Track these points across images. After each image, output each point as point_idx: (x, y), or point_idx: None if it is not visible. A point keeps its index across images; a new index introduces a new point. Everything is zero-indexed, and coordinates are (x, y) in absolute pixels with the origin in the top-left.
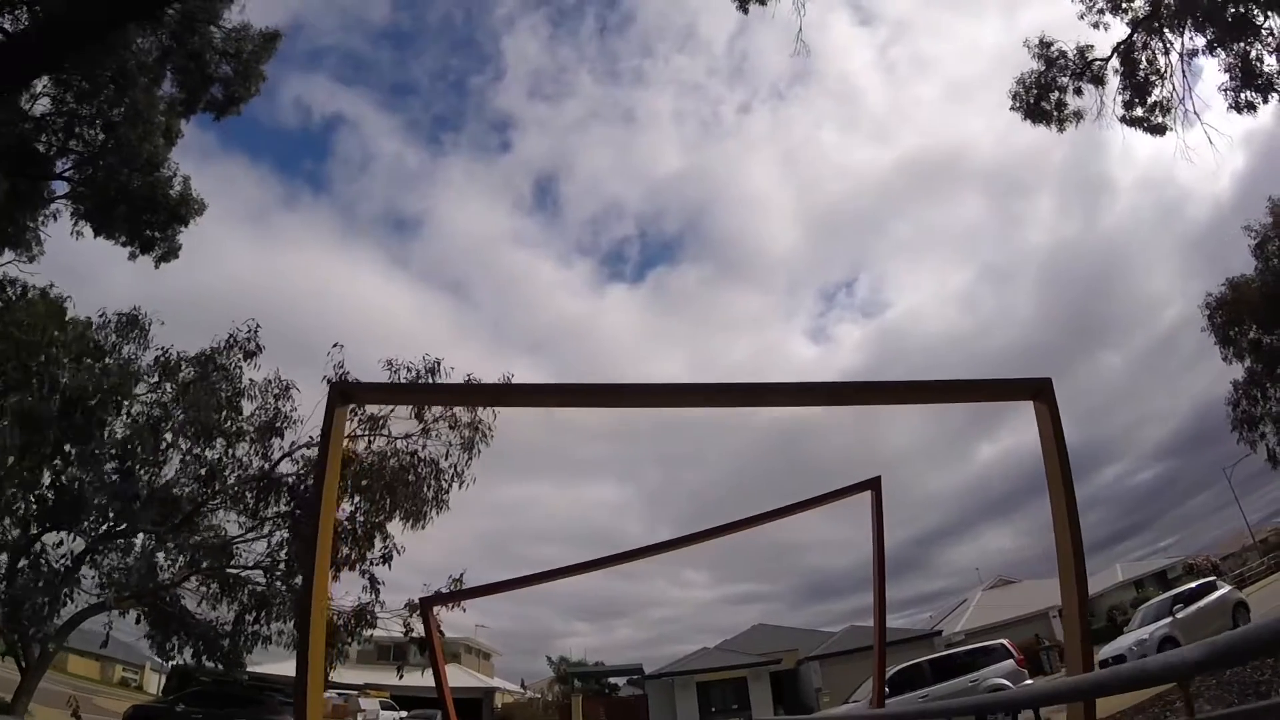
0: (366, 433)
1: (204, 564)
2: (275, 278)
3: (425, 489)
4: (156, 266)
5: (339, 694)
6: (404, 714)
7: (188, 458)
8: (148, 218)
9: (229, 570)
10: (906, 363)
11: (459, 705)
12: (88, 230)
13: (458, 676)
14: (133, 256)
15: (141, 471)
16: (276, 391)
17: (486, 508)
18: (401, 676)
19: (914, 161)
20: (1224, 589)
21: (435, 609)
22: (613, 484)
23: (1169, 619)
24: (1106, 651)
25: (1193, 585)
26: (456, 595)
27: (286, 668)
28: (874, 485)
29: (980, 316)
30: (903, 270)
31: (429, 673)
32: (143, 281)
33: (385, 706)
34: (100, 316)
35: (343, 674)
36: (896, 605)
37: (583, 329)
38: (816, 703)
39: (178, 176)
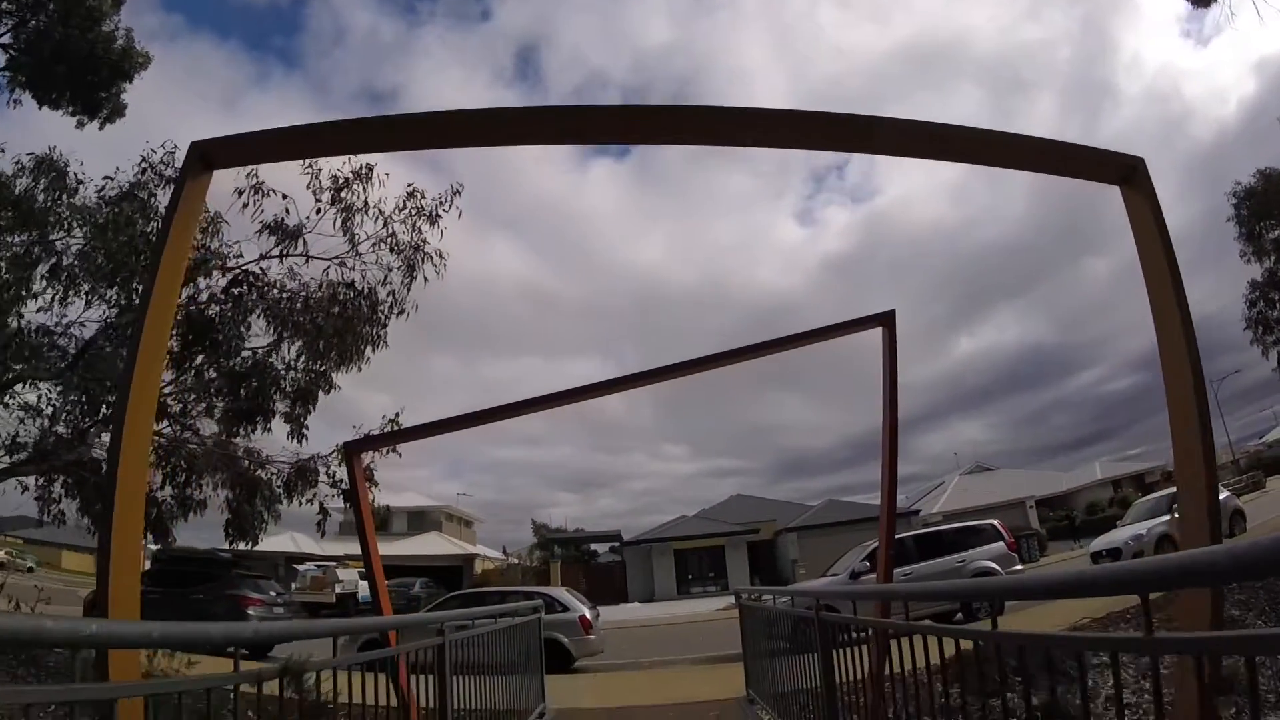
0: (281, 250)
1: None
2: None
3: (359, 323)
4: (101, 128)
5: (317, 566)
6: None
7: (96, 299)
8: (90, 77)
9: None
10: (892, 250)
11: (440, 572)
12: (29, 102)
13: (438, 544)
14: (80, 125)
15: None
16: (205, 224)
17: (474, 383)
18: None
19: (913, 46)
20: (1223, 494)
21: (365, 456)
22: (596, 360)
23: (1167, 517)
24: (1100, 544)
25: None
26: (383, 439)
27: (275, 543)
28: (887, 320)
29: (969, 210)
30: (895, 157)
31: (414, 540)
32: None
33: (364, 576)
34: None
35: (325, 546)
36: (867, 486)
37: (565, 205)
38: (792, 574)
39: (120, 30)
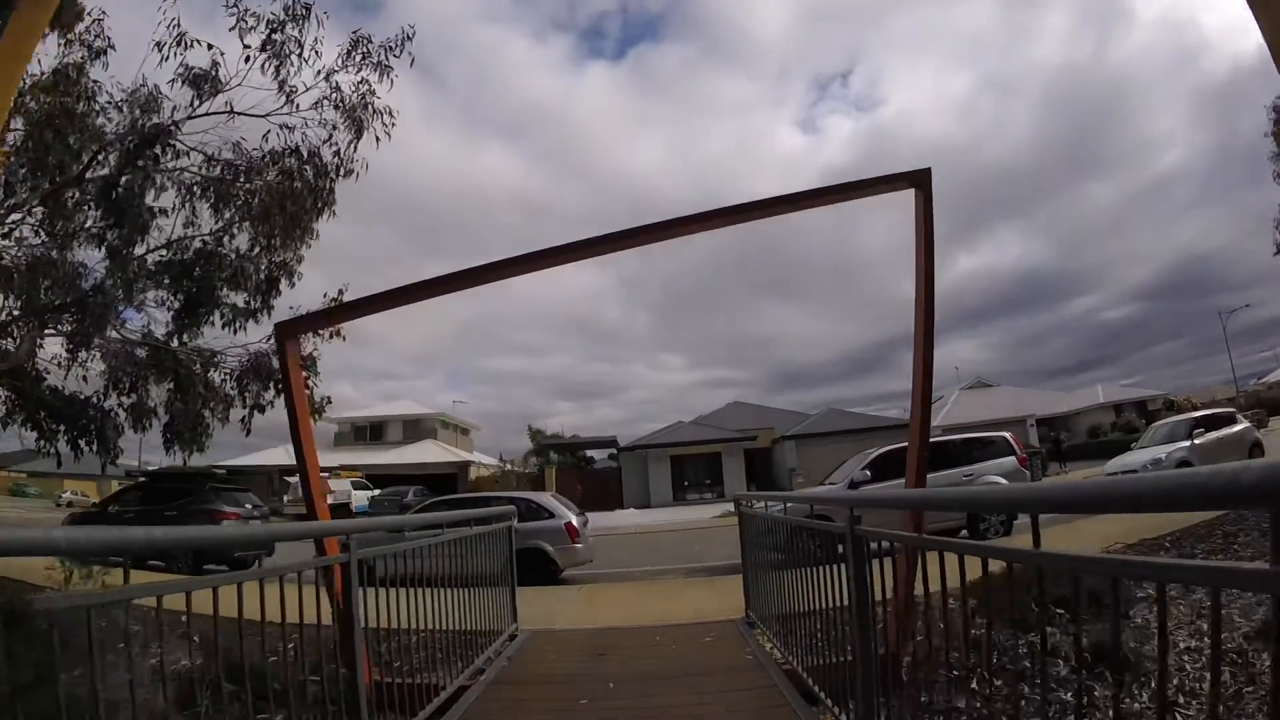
0: (196, 102)
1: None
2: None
3: (303, 193)
4: None
5: None
6: (377, 492)
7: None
8: None
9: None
10: (895, 166)
11: (436, 479)
12: None
13: (433, 452)
14: None
15: None
16: (144, 101)
17: (468, 298)
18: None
19: None
20: (1243, 424)
21: (306, 343)
22: (593, 270)
23: (1187, 442)
24: (1115, 465)
25: (1215, 411)
26: (320, 318)
27: (270, 456)
28: (921, 180)
29: (974, 127)
30: (901, 67)
31: (409, 449)
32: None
33: (358, 486)
34: None
35: (322, 456)
36: (862, 400)
37: (559, 110)
38: (789, 482)
39: None
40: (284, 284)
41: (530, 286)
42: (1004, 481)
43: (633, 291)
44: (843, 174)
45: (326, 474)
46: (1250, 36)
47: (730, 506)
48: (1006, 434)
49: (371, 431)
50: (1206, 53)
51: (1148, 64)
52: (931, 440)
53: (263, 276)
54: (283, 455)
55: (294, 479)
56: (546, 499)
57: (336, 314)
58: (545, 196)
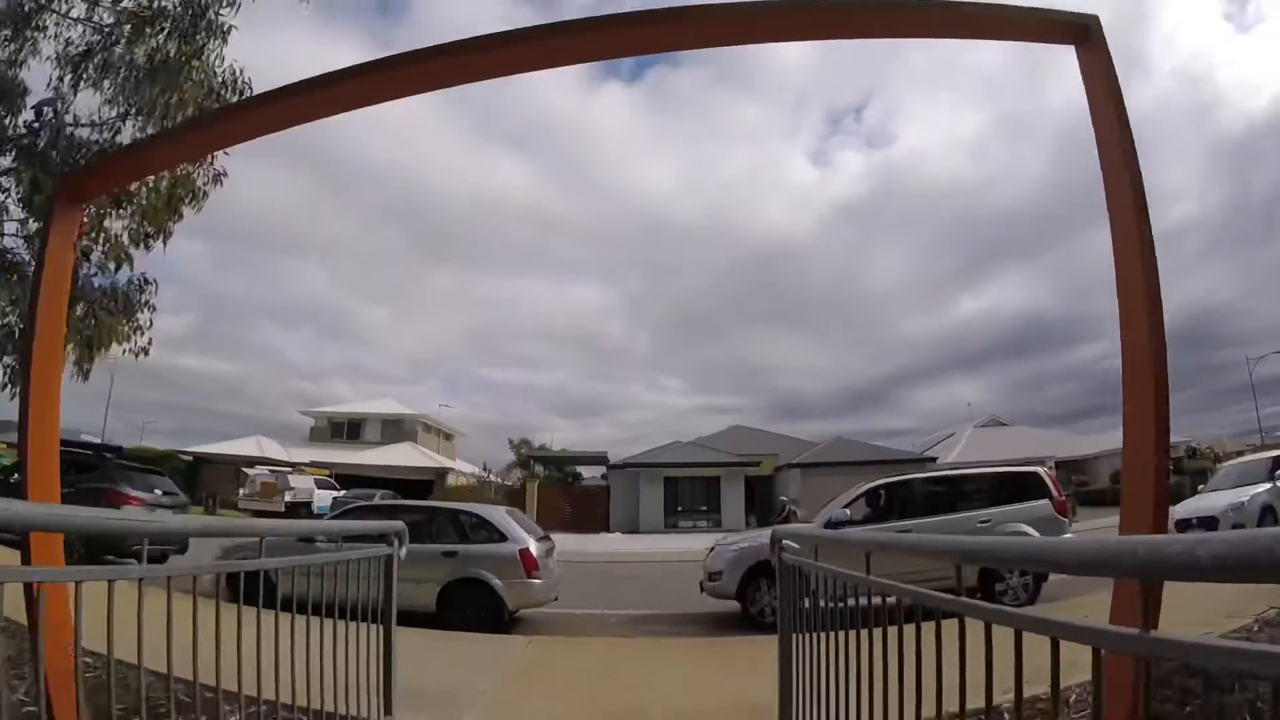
0: None
1: None
2: (251, 63)
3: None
4: None
5: (270, 470)
6: (342, 493)
7: None
8: None
9: None
10: (904, 201)
11: (410, 485)
12: None
13: (410, 455)
14: None
15: None
16: None
17: (475, 302)
18: None
19: None
20: None
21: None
22: (597, 286)
23: (1269, 484)
24: (1187, 510)
25: None
26: (104, 167)
27: (239, 446)
28: (1085, 33)
29: (986, 168)
30: (915, 104)
31: (385, 450)
32: None
33: (323, 485)
34: None
35: (293, 452)
36: (865, 435)
37: (573, 126)
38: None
39: None
40: None
41: (533, 298)
42: (1032, 533)
43: (636, 311)
44: (850, 208)
45: (289, 469)
46: (1264, 94)
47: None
48: (1040, 468)
49: (349, 429)
50: (1221, 108)
51: (1162, 114)
52: (941, 473)
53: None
54: (252, 446)
55: (252, 471)
56: (498, 515)
57: (118, 164)
58: (554, 209)
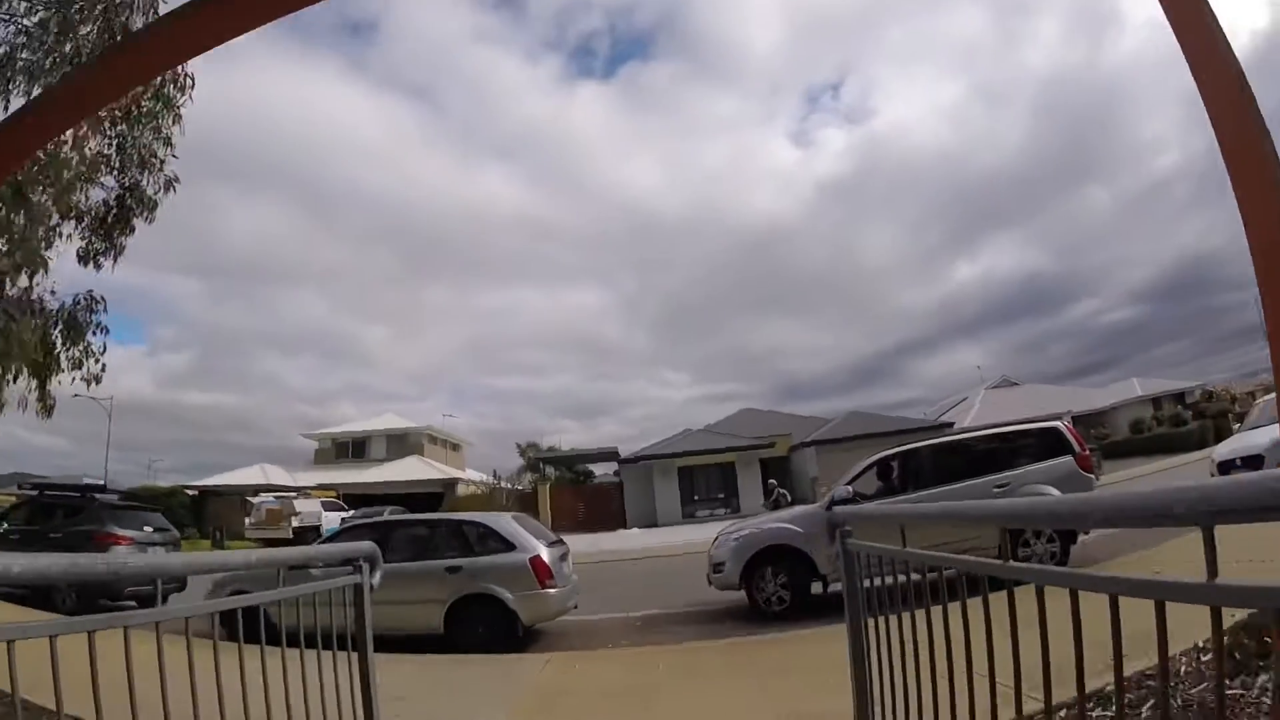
0: None
1: None
2: (230, 98)
3: None
4: None
5: (275, 497)
6: (350, 513)
7: None
8: None
9: None
10: (888, 175)
11: (419, 498)
12: None
13: (417, 469)
14: None
15: None
16: None
17: (474, 314)
18: None
19: None
20: None
21: None
22: (591, 288)
23: None
24: (1228, 451)
25: None
26: None
27: (243, 475)
28: None
29: (968, 135)
30: (892, 78)
31: (391, 466)
32: None
33: (330, 507)
34: None
35: (298, 476)
36: (873, 408)
37: (553, 129)
38: (813, 493)
39: None
40: None
41: (535, 306)
42: (1055, 493)
43: (633, 309)
44: (836, 186)
45: (294, 494)
46: (1241, 35)
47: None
48: (1059, 422)
49: (353, 448)
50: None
51: (1140, 66)
52: (948, 438)
53: None
54: (257, 474)
55: (256, 499)
56: (505, 523)
57: None
58: (543, 216)
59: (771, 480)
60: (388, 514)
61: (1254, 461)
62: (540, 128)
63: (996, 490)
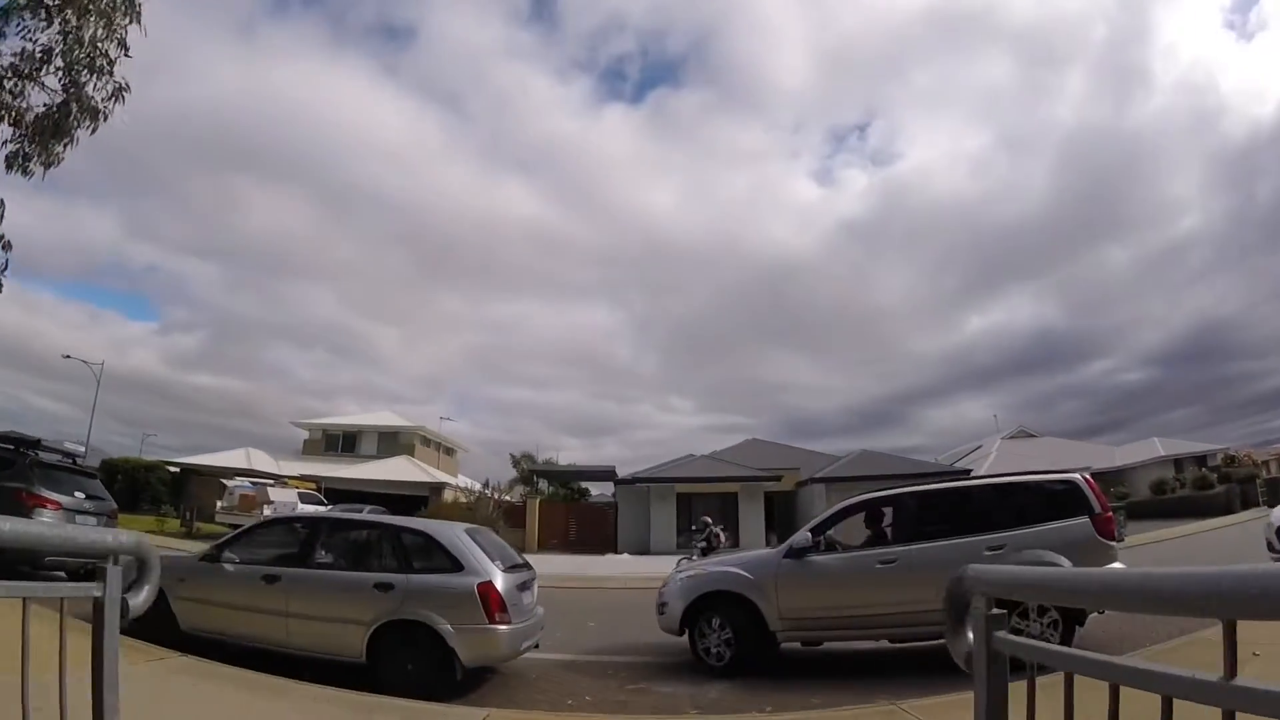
0: None
1: None
2: (263, 91)
3: None
4: None
5: (251, 482)
6: (328, 507)
7: None
8: None
9: None
10: (908, 219)
11: (403, 500)
12: None
13: (406, 470)
14: None
15: None
16: None
17: (481, 323)
18: None
19: (942, 6)
20: None
21: None
22: (603, 307)
23: None
24: None
25: None
26: None
27: (228, 458)
28: None
29: (990, 184)
30: (918, 123)
31: (378, 464)
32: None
33: (308, 499)
34: None
35: (285, 465)
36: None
37: (577, 149)
38: None
39: None
40: None
41: (537, 319)
42: (1061, 562)
43: (643, 332)
44: (855, 226)
45: (272, 481)
46: (1268, 102)
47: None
48: (1078, 475)
49: (344, 441)
50: (1225, 116)
51: (1166, 127)
52: (942, 486)
53: None
54: (241, 458)
55: (231, 482)
56: (452, 535)
57: None
58: (560, 232)
59: (705, 516)
60: (367, 512)
61: None
62: (564, 145)
63: (989, 553)
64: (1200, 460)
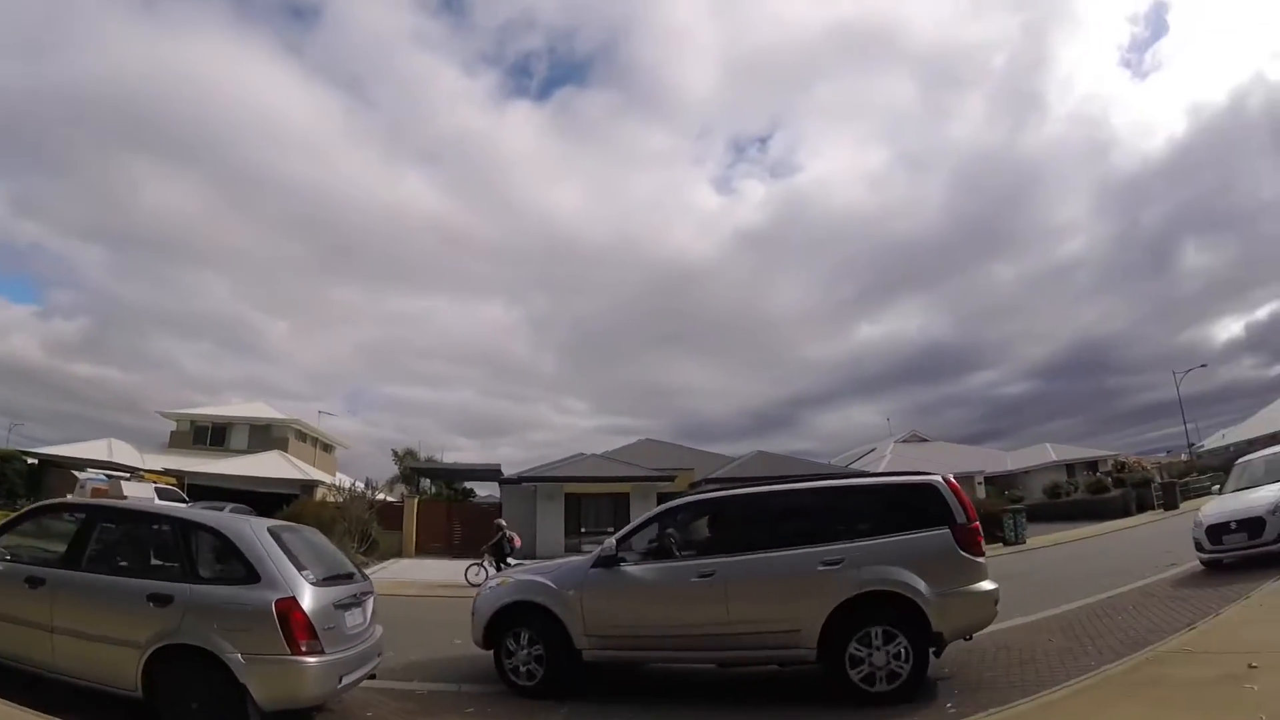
0: None
1: None
2: (161, 66)
3: None
4: None
5: (106, 474)
6: (189, 503)
7: None
8: None
9: None
10: (806, 232)
11: (272, 498)
12: None
13: (277, 465)
14: None
15: None
16: None
17: (377, 317)
18: None
19: (851, 24)
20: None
21: None
22: (502, 305)
23: None
24: (1218, 513)
25: None
26: None
27: (89, 449)
28: None
29: (887, 200)
30: (820, 136)
31: (247, 459)
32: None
33: (165, 494)
34: None
35: (148, 459)
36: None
37: (481, 143)
38: None
39: None
40: None
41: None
42: (915, 583)
43: (542, 331)
44: (754, 235)
45: (127, 475)
46: (1157, 137)
47: None
48: (937, 476)
49: (213, 434)
50: (1115, 148)
51: (1058, 154)
52: (773, 489)
53: None
54: (103, 449)
55: (83, 474)
56: (253, 536)
57: None
58: (461, 227)
59: (499, 520)
60: (228, 511)
61: (1253, 525)
62: (469, 138)
63: (823, 568)
64: (1091, 465)
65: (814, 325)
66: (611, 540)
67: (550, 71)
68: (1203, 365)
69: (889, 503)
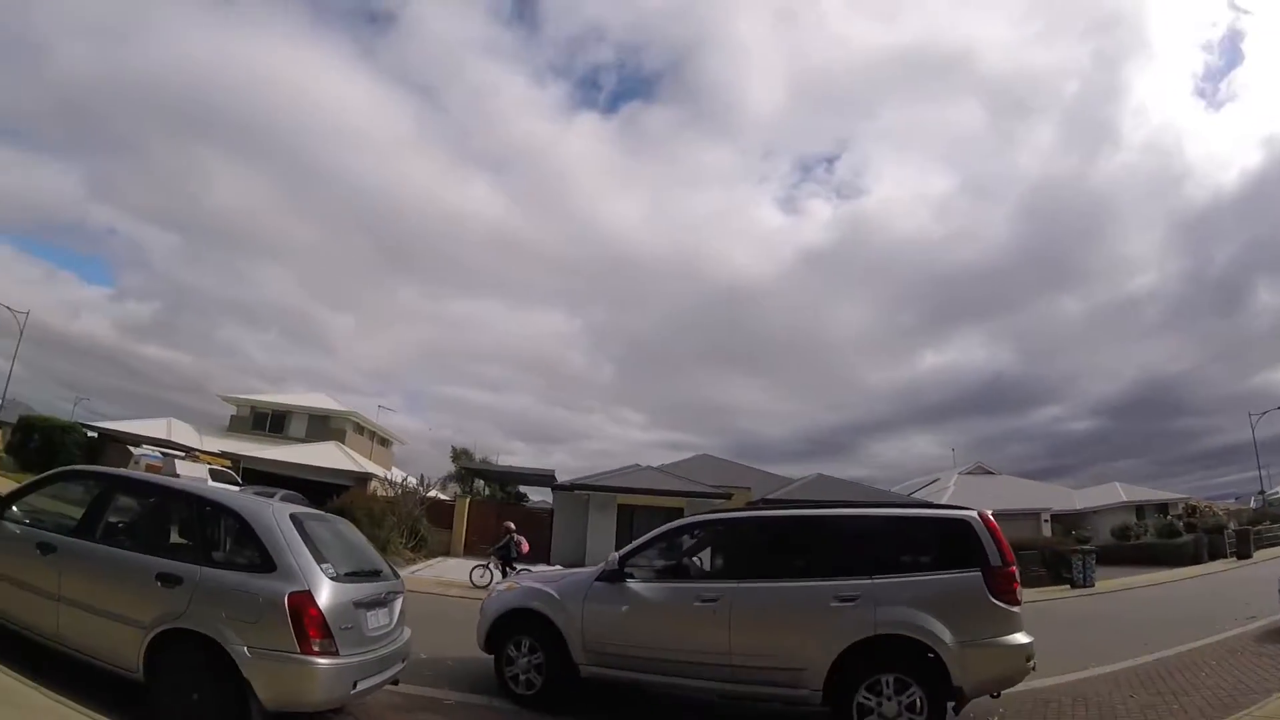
0: None
1: None
2: (237, 61)
3: None
4: None
5: (161, 452)
6: (241, 486)
7: None
8: None
9: None
10: (870, 256)
11: (327, 488)
12: None
13: (333, 456)
14: None
15: None
16: None
17: (438, 319)
18: None
19: (919, 50)
20: None
21: None
22: (562, 314)
23: None
24: None
25: None
26: None
27: (149, 427)
28: None
29: (951, 227)
30: (886, 160)
31: (304, 448)
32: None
33: (219, 477)
34: None
35: (208, 440)
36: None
37: (547, 153)
38: None
39: None
40: None
41: (497, 321)
42: (938, 630)
43: (600, 342)
44: (816, 257)
45: (182, 454)
46: (1231, 170)
47: None
48: (973, 512)
49: (272, 421)
50: (1188, 180)
51: (1129, 185)
52: (795, 514)
53: None
54: (162, 428)
55: (140, 450)
56: (270, 520)
57: None
58: (524, 235)
59: (509, 523)
60: (280, 497)
61: None
62: (535, 148)
63: (837, 604)
64: (1162, 508)
65: (874, 351)
66: (616, 554)
67: (618, 85)
68: (1276, 408)
69: (918, 537)
